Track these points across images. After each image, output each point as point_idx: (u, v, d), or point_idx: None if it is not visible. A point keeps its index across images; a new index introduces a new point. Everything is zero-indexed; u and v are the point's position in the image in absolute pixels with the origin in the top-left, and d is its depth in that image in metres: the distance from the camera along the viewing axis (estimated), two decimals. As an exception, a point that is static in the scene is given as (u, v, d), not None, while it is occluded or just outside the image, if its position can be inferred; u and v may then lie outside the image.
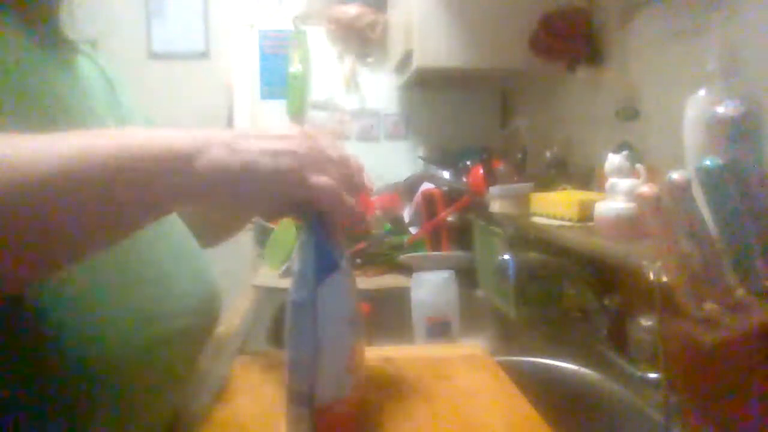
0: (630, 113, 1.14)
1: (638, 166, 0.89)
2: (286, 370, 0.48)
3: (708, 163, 0.51)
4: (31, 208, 0.35)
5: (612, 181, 0.89)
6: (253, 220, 1.49)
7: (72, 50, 0.55)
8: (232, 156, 0.42)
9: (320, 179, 0.45)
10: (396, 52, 1.75)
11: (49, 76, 0.49)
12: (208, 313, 0.59)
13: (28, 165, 0.35)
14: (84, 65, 0.58)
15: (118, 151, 0.38)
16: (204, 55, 2.63)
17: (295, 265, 0.48)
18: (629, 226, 0.84)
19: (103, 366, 0.44)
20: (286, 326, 0.48)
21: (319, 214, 0.48)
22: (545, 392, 0.69)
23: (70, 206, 0.36)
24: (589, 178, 1.25)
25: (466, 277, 1.32)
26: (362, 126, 2.07)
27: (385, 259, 1.60)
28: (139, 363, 0.47)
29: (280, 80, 2.03)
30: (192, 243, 0.61)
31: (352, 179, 0.50)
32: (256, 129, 0.46)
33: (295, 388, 0.47)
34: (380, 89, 2.06)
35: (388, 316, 1.27)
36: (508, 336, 1.20)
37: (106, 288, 0.46)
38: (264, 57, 2.05)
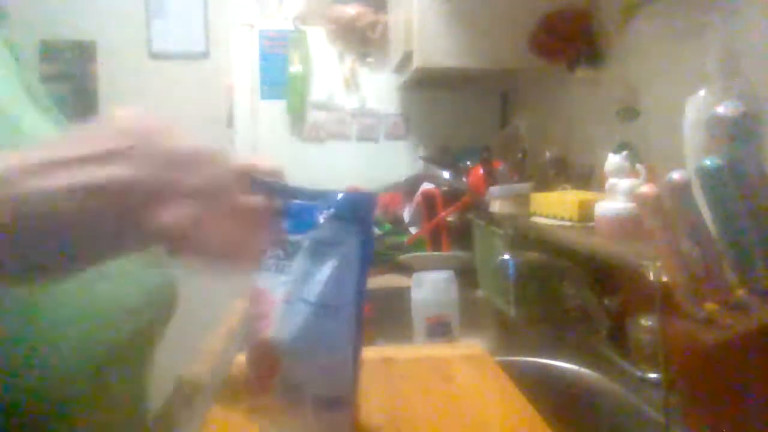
0: (630, 113, 1.14)
1: (638, 166, 0.89)
2: (307, 377, 0.43)
3: (708, 163, 0.51)
4: None
5: (612, 181, 0.89)
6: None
7: None
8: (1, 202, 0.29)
9: (169, 214, 0.31)
10: (396, 52, 1.75)
11: None
12: (165, 301, 0.58)
13: None
14: None
15: None
16: (204, 55, 2.63)
17: (330, 264, 0.43)
18: (629, 226, 0.84)
19: (63, 372, 0.43)
20: (296, 331, 0.42)
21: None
22: (545, 392, 0.69)
23: None
24: (589, 178, 1.25)
25: (466, 277, 1.32)
26: (362, 126, 2.07)
27: (385, 259, 1.60)
28: (99, 366, 0.46)
29: (280, 80, 2.03)
30: None
31: (228, 184, 0.36)
32: (59, 145, 0.32)
33: (323, 395, 0.44)
34: (380, 89, 2.06)
35: (388, 316, 1.27)
36: (508, 336, 1.20)
37: (59, 291, 0.43)
38: (264, 57, 2.05)
